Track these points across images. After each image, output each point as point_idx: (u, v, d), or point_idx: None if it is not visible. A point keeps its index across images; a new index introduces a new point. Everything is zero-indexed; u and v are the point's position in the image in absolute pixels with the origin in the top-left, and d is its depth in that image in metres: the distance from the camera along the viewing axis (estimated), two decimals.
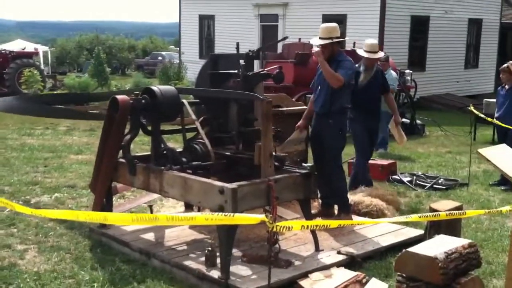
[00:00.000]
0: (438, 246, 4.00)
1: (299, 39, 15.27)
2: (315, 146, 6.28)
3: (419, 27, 20.54)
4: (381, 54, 7.55)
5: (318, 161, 6.19)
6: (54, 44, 44.02)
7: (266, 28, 22.95)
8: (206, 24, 25.85)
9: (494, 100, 13.56)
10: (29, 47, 26.59)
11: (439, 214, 4.03)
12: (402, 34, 20.06)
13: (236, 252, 4.97)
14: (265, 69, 5.83)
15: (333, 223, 4.25)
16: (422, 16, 20.60)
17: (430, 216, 4.02)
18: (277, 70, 5.58)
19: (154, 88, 5.45)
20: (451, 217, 4.12)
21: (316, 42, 6.18)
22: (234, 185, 4.56)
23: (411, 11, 20.21)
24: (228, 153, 5.49)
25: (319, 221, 5.10)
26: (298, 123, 6.50)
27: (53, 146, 11.16)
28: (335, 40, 6.02)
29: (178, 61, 25.13)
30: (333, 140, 6.09)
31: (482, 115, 9.44)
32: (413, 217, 4.05)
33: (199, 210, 5.76)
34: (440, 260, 3.81)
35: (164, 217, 3.35)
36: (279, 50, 17.37)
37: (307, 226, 3.62)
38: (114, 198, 7.11)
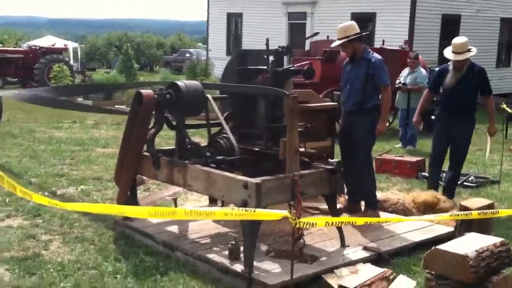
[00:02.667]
0: (469, 244, 3.89)
1: (327, 36, 15.11)
2: (345, 143, 6.20)
3: (450, 25, 20.21)
4: (471, 54, 6.72)
5: (347, 157, 6.11)
6: (84, 41, 44.48)
7: (294, 26, 22.85)
8: (234, 21, 25.85)
9: None
10: (59, 43, 26.81)
11: (471, 213, 3.90)
12: (433, 32, 19.77)
13: (260, 246, 4.91)
14: (295, 65, 5.76)
15: (360, 220, 4.16)
16: (453, 15, 20.28)
17: (461, 215, 3.87)
18: (307, 66, 5.52)
19: (179, 82, 5.41)
20: (483, 216, 3.98)
21: (335, 43, 6.14)
22: (258, 179, 4.49)
23: (442, 9, 19.92)
24: (253, 148, 5.43)
25: (344, 218, 5.00)
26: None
27: (80, 139, 11.24)
28: (352, 37, 5.93)
29: (205, 58, 25.18)
30: (364, 137, 6.04)
31: None
32: (444, 216, 3.93)
33: (222, 205, 5.71)
34: (471, 258, 3.70)
35: (182, 211, 3.30)
36: (307, 47, 17.24)
37: (332, 223, 3.51)
38: (139, 191, 7.18)
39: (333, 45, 6.39)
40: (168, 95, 5.38)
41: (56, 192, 7.15)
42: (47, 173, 8.12)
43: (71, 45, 32.26)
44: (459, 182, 7.45)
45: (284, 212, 3.22)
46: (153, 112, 5.46)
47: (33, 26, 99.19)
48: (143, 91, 5.42)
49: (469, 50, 6.74)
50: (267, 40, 5.73)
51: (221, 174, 4.80)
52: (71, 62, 27.10)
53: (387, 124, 6.03)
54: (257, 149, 5.39)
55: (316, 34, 7.35)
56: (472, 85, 6.78)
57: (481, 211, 4.03)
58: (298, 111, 5.64)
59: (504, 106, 9.24)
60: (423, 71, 11.70)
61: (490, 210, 4.27)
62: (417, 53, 11.85)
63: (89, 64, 37.49)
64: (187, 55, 35.46)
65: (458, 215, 3.85)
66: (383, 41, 15.13)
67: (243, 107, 5.76)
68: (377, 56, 6.07)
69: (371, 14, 19.97)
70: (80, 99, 16.97)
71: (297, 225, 3.19)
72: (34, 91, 10.66)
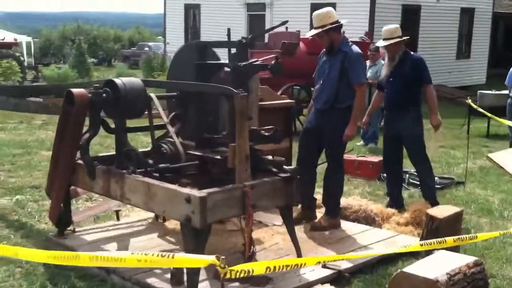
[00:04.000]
0: (439, 266, 3.44)
1: (286, 28, 14.59)
2: (308, 142, 5.66)
3: (410, 16, 19.96)
4: (398, 40, 6.28)
5: (307, 158, 5.62)
6: (38, 34, 43.05)
7: (253, 17, 22.33)
8: (192, 13, 25.19)
9: (489, 91, 13.10)
10: (9, 37, 25.68)
11: (445, 240, 3.41)
12: (393, 23, 19.44)
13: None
14: (259, 59, 5.13)
15: (310, 261, 3.51)
16: (413, 5, 20.04)
17: (434, 243, 3.37)
18: (274, 60, 4.91)
19: (116, 80, 4.82)
20: (460, 243, 3.52)
21: (310, 33, 5.60)
22: (203, 192, 3.95)
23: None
24: (200, 154, 4.87)
25: (291, 260, 4.01)
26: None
27: (24, 141, 10.49)
28: (329, 26, 5.40)
29: (162, 52, 24.48)
30: (336, 139, 5.46)
31: (481, 109, 8.81)
32: (413, 246, 3.43)
33: (164, 221, 5.16)
34: (442, 283, 3.25)
35: (87, 257, 2.75)
36: (266, 40, 16.73)
37: (275, 267, 2.91)
38: (80, 201, 6.58)
39: (308, 34, 5.83)
40: (104, 94, 4.79)
41: None
42: None
43: (24, 39, 31.06)
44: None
45: (212, 258, 2.62)
46: (87, 113, 4.87)
47: None
48: (74, 90, 4.80)
49: (400, 37, 6.30)
50: (229, 30, 5.12)
51: (162, 186, 4.24)
52: (25, 57, 26.07)
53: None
54: (201, 154, 4.81)
55: (285, 23, 6.69)
56: (405, 76, 6.20)
57: (457, 237, 3.56)
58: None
59: (470, 101, 8.88)
60: (383, 63, 11.27)
61: (468, 235, 3.80)
62: (378, 45, 11.40)
63: (44, 59, 36.27)
64: (146, 49, 34.50)
65: (431, 243, 3.35)
66: (343, 32, 14.70)
67: (198, 107, 5.16)
68: (355, 49, 5.44)
69: (331, 4, 19.46)
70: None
71: (228, 275, 2.60)
72: None
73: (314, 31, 5.47)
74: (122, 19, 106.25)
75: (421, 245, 3.40)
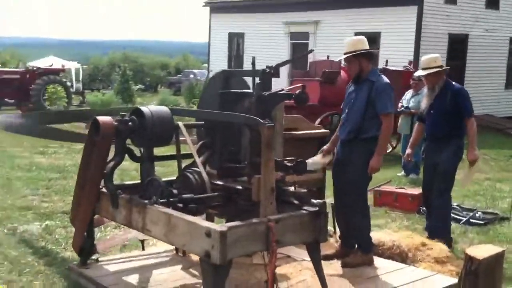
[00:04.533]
0: None
1: (327, 56, 14.47)
2: (338, 176, 5.42)
3: (457, 45, 19.54)
4: (438, 70, 6.05)
5: (340, 193, 5.38)
6: (87, 61, 44.11)
7: (296, 46, 22.29)
8: (236, 41, 25.34)
9: None
10: (57, 63, 26.34)
11: None
12: (439, 52, 19.03)
13: None
14: (286, 88, 4.96)
15: None
16: (460, 34, 19.63)
17: None
18: (299, 90, 4.72)
19: (143, 108, 4.73)
20: None
21: (340, 57, 5.43)
22: (223, 227, 3.77)
23: (449, 28, 19.27)
24: (227, 185, 4.70)
25: None
26: (324, 147, 5.64)
27: (62, 165, 10.58)
28: (359, 51, 5.21)
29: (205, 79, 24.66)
30: (360, 171, 5.17)
31: None
32: None
33: (184, 254, 4.98)
34: None
35: None
36: (307, 68, 16.62)
37: None
38: (109, 228, 6.48)
39: (338, 59, 5.68)
40: (130, 122, 4.70)
41: (17, 229, 6.44)
42: (13, 205, 7.43)
43: (73, 65, 31.82)
44: (465, 219, 6.69)
45: None
46: (113, 141, 4.78)
47: (42, 48, 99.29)
48: (100, 117, 4.72)
49: (440, 67, 6.04)
50: (253, 58, 4.99)
51: (182, 217, 4.06)
52: (73, 83, 26.65)
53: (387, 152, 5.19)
54: (228, 185, 4.64)
55: (311, 51, 6.58)
56: (445, 107, 5.97)
57: None
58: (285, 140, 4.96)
59: None
60: None
61: None
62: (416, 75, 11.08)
63: (93, 85, 37.07)
64: (191, 76, 34.91)
65: None
66: (386, 61, 14.47)
67: (226, 137, 5.01)
68: (383, 78, 5.20)
69: (376, 33, 19.34)
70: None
71: None
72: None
73: (344, 56, 5.28)
74: (170, 48, 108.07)
75: None
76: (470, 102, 6.09)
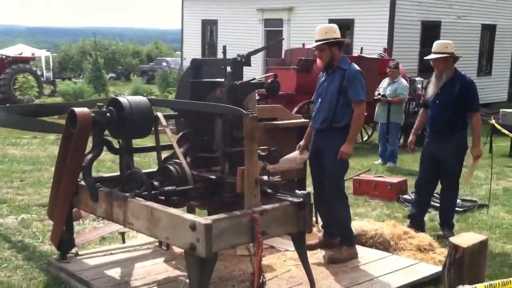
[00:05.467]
0: None
1: (303, 44, 14.39)
2: (315, 166, 5.40)
3: (430, 32, 19.65)
4: (448, 56, 5.95)
5: (318, 184, 5.34)
6: (57, 49, 43.37)
7: (270, 33, 22.15)
8: (209, 29, 25.13)
9: (511, 109, 12.72)
10: (27, 51, 25.80)
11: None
12: (413, 40, 19.19)
13: None
14: (258, 78, 4.89)
15: None
16: (433, 21, 19.73)
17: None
18: (272, 79, 4.65)
19: (121, 98, 4.61)
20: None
21: (312, 45, 5.35)
22: (208, 219, 3.70)
23: (422, 16, 19.35)
24: (210, 176, 4.63)
25: None
26: (300, 143, 5.57)
27: (36, 157, 10.36)
28: (332, 40, 5.16)
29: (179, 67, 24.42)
30: (335, 161, 5.13)
31: (504, 130, 8.46)
32: None
33: (168, 248, 4.90)
34: None
35: None
36: (283, 56, 16.55)
37: None
38: (87, 221, 6.36)
39: (310, 46, 5.59)
40: (108, 114, 4.58)
41: None
42: None
43: (43, 54, 31.23)
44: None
45: None
46: (90, 134, 4.66)
47: (11, 35, 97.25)
48: (77, 109, 4.58)
49: (451, 54, 5.97)
50: (224, 47, 4.91)
51: (165, 211, 3.98)
52: (44, 72, 26.15)
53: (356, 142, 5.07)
54: (211, 177, 4.57)
55: (281, 40, 6.50)
56: (451, 98, 5.91)
57: (488, 283, 3.26)
58: (262, 131, 4.89)
59: (493, 121, 8.55)
60: (403, 81, 10.95)
61: (500, 281, 3.47)
62: (398, 62, 11.08)
63: (63, 74, 36.45)
64: (164, 64, 34.55)
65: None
66: (361, 48, 14.48)
67: (200, 127, 4.94)
68: (354, 67, 5.17)
69: (349, 20, 19.33)
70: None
71: None
72: None
73: (316, 44, 5.21)
74: (141, 35, 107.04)
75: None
76: (478, 97, 6.06)
